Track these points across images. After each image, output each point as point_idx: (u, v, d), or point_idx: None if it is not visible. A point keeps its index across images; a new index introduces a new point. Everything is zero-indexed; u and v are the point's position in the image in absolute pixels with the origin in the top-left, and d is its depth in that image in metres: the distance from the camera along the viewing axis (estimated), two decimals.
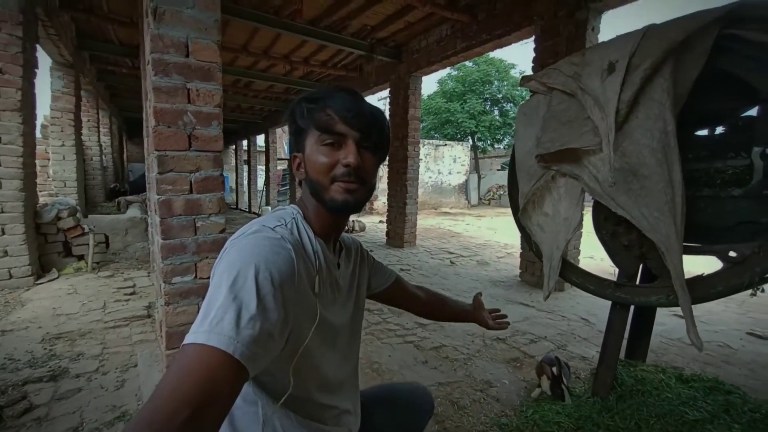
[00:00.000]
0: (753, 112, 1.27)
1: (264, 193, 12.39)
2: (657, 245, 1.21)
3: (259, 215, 10.85)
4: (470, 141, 16.46)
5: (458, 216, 12.34)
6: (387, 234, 6.32)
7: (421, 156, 11.26)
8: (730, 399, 1.38)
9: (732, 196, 1.21)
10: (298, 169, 0.76)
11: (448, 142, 14.33)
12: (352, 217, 8.57)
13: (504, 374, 2.05)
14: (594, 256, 4.88)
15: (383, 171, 6.89)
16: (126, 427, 0.41)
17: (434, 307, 1.11)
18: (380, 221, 10.51)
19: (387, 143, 0.78)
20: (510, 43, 4.30)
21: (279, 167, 13.62)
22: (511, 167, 1.75)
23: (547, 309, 3.19)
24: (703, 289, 1.22)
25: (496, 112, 16.59)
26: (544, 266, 1.60)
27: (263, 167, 12.19)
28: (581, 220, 1.47)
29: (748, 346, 2.51)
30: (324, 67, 6.29)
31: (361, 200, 0.73)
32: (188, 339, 0.51)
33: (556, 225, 1.53)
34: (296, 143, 0.76)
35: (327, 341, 0.77)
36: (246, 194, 14.19)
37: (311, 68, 6.29)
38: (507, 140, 17.23)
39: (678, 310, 1.31)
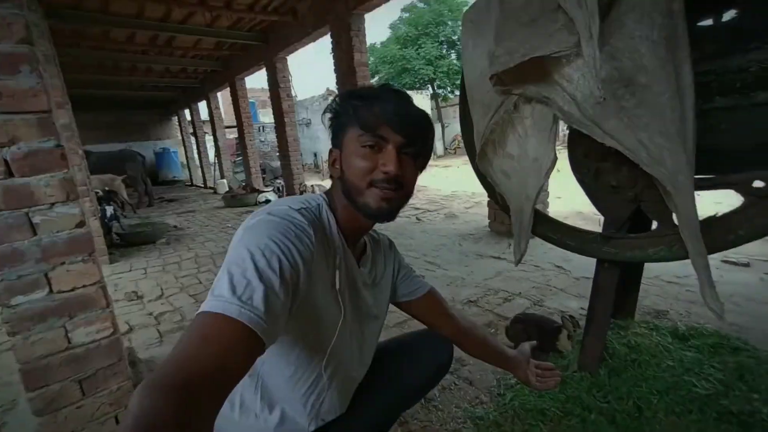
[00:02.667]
0: None
1: (216, 165, 11.46)
2: (660, 182, 0.86)
3: (214, 190, 10.09)
4: (430, 89, 15.72)
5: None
6: None
7: None
8: (741, 360, 1.14)
9: (756, 104, 0.87)
10: (334, 165, 0.75)
11: (407, 92, 13.61)
12: (312, 182, 8.04)
13: None
14: (562, 196, 4.69)
15: None
16: (144, 384, 0.41)
17: (470, 338, 0.99)
18: None
19: (430, 151, 0.76)
20: None
21: (229, 136, 12.55)
22: (462, 99, 1.34)
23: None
24: (720, 234, 0.91)
25: (453, 56, 15.76)
26: (513, 223, 1.26)
27: (211, 137, 11.14)
28: (555, 159, 1.10)
29: (726, 276, 2.37)
30: (252, 12, 5.42)
31: (396, 208, 0.72)
32: (215, 307, 0.50)
33: (524, 169, 1.16)
34: (335, 139, 0.74)
35: (345, 337, 0.77)
36: (199, 169, 13.14)
37: (238, 14, 5.41)
38: None
39: None
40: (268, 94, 7.30)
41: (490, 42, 1.12)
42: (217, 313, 0.49)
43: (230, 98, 8.74)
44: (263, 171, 10.76)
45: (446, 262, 3.08)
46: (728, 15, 0.98)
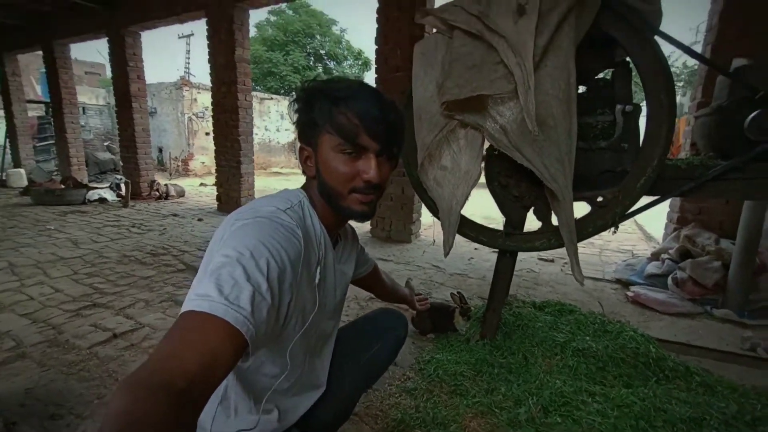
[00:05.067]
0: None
1: (8, 149, 8.61)
2: (555, 194, 1.27)
3: (2, 182, 7.51)
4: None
5: (291, 176, 11.85)
6: (218, 198, 5.40)
7: None
8: (577, 317, 1.70)
9: (599, 148, 1.38)
10: (307, 163, 0.75)
11: (274, 96, 13.20)
12: (164, 181, 6.98)
13: None
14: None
15: (209, 125, 5.73)
16: (126, 382, 0.40)
17: (389, 292, 1.30)
18: (201, 184, 9.01)
19: (401, 152, 0.77)
20: None
21: (31, 113, 9.61)
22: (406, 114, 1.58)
23: (403, 261, 3.36)
24: (580, 231, 1.38)
25: (321, 69, 16.18)
26: (442, 222, 1.54)
27: (1, 112, 8.33)
28: (480, 173, 1.44)
29: (543, 268, 3.28)
30: None
31: (375, 208, 0.76)
32: (201, 306, 0.49)
33: (455, 179, 1.46)
34: (306, 135, 0.73)
35: (319, 328, 0.82)
36: None
37: None
38: None
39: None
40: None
41: (438, 74, 1.40)
42: (202, 312, 0.48)
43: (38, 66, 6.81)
44: (86, 163, 8.71)
45: None
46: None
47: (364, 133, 0.67)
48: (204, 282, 0.52)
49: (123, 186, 5.89)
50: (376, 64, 3.73)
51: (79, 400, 1.45)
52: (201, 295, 0.50)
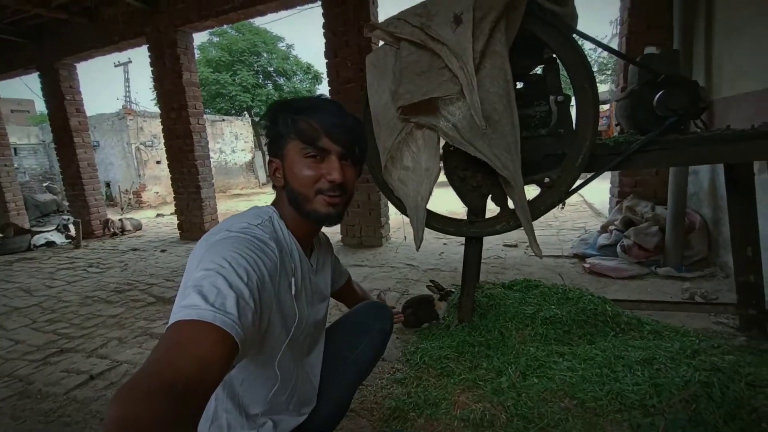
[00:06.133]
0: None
1: None
2: (507, 180, 1.42)
3: None
4: (248, 116, 15.42)
5: (252, 196, 11.61)
6: (179, 227, 5.23)
7: None
8: (542, 290, 1.86)
9: (540, 135, 1.55)
10: (275, 174, 0.78)
11: (225, 117, 12.92)
12: (118, 216, 6.64)
13: None
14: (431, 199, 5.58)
15: (162, 153, 5.54)
16: (121, 392, 0.39)
17: (360, 301, 1.28)
18: (158, 215, 8.62)
19: (365, 156, 0.82)
20: (295, 5, 4.06)
21: None
22: (366, 123, 1.68)
23: (377, 264, 3.44)
24: (534, 210, 1.54)
25: (270, 86, 16.05)
26: (410, 218, 1.65)
27: None
28: (440, 168, 1.57)
29: (509, 253, 3.48)
30: (26, 3, 4.25)
31: (342, 212, 0.78)
32: (188, 315, 0.50)
33: (418, 177, 1.58)
34: (273, 148, 0.77)
35: (301, 341, 0.83)
36: None
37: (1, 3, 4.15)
38: None
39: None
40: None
41: (390, 81, 1.52)
42: (191, 320, 0.49)
43: None
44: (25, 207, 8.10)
45: None
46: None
47: (324, 136, 0.71)
48: (188, 295, 0.53)
49: (72, 226, 5.55)
50: (327, 77, 3.82)
51: None
52: (187, 306, 0.51)
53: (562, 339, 1.54)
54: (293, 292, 0.74)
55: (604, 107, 10.35)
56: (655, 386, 1.15)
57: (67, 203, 6.16)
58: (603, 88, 12.88)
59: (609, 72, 15.85)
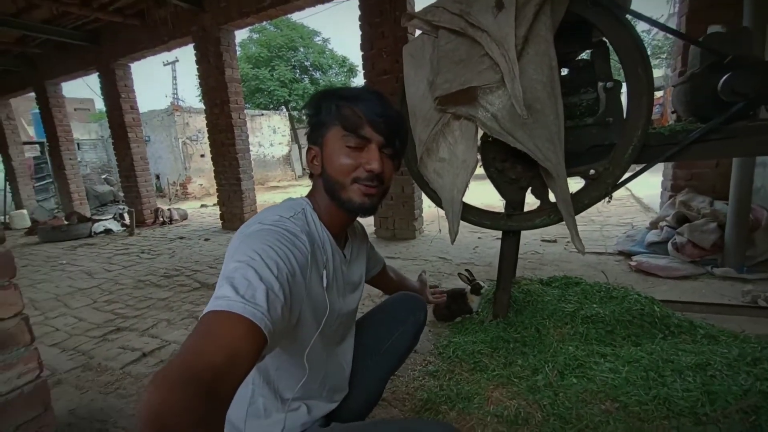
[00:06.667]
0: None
1: (8, 191, 8.69)
2: (548, 171, 1.36)
3: (6, 225, 7.60)
4: (285, 110, 15.81)
5: (289, 188, 11.94)
6: (221, 217, 5.49)
7: None
8: (583, 288, 1.78)
9: (586, 124, 1.47)
10: (313, 162, 0.78)
11: (264, 112, 13.34)
12: (166, 206, 7.06)
13: None
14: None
15: (206, 147, 5.83)
16: (154, 380, 0.41)
17: (396, 287, 1.30)
18: (202, 205, 9.09)
19: (404, 149, 0.81)
20: None
21: (27, 154, 9.72)
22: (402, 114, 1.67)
23: (410, 257, 3.44)
24: (576, 204, 1.46)
25: (307, 80, 16.33)
26: (446, 211, 1.62)
27: None
28: (477, 160, 1.53)
29: (547, 249, 3.35)
30: (86, 9, 4.59)
31: (377, 203, 0.77)
32: (220, 306, 0.51)
33: (454, 169, 1.55)
34: (313, 136, 0.77)
35: (332, 331, 0.83)
36: None
37: (64, 8, 4.50)
38: None
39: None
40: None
41: (428, 72, 1.49)
42: (221, 310, 0.51)
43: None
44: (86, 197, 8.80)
45: None
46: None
47: (367, 124, 0.71)
48: (221, 286, 0.55)
49: (127, 215, 5.98)
50: (363, 69, 3.83)
51: (121, 414, 1.53)
52: (219, 297, 0.53)
53: (604, 339, 1.46)
54: (324, 285, 0.75)
55: (658, 94, 9.61)
56: (708, 394, 1.07)
57: (122, 194, 6.63)
58: (657, 73, 11.99)
59: (664, 56, 14.69)
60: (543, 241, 3.56)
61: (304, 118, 0.85)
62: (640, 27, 16.35)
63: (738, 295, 1.96)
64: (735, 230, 2.25)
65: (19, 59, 6.48)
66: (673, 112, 1.67)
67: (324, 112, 0.74)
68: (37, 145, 10.94)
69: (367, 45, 3.74)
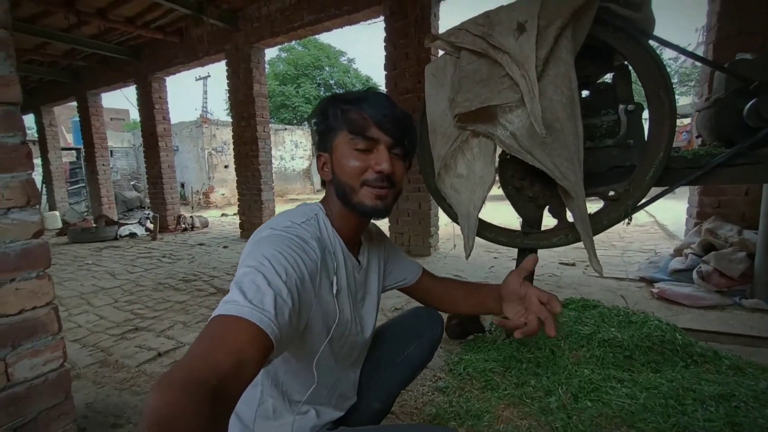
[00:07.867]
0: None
1: (45, 193, 9.17)
2: (567, 191, 1.36)
3: None
4: (308, 126, 16.23)
5: (307, 201, 12.15)
6: (241, 226, 5.62)
7: None
8: (601, 311, 1.74)
9: (606, 146, 1.47)
10: (323, 168, 0.77)
11: (287, 126, 13.75)
12: (189, 213, 7.28)
13: None
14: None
15: (230, 158, 6.03)
16: (159, 383, 0.41)
17: (462, 302, 1.04)
18: (222, 214, 9.32)
19: (414, 149, 0.79)
20: (359, 21, 4.26)
21: (65, 159, 10.29)
22: (423, 131, 1.71)
23: None
24: (595, 225, 1.45)
25: None
26: (461, 226, 1.63)
27: (39, 160, 8.94)
28: (495, 177, 1.54)
29: (565, 272, 3.28)
30: (131, 26, 4.92)
31: (390, 205, 0.75)
32: (228, 311, 0.51)
33: (471, 185, 1.57)
34: (323, 142, 0.76)
35: (343, 338, 0.80)
36: None
37: (111, 25, 4.83)
38: None
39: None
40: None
41: (449, 90, 1.53)
42: (229, 315, 0.51)
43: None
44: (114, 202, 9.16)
45: None
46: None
47: (373, 125, 0.70)
48: (230, 291, 0.56)
49: (151, 220, 6.20)
50: (386, 88, 3.93)
51: (135, 411, 1.57)
52: (227, 301, 0.53)
53: (622, 364, 1.42)
54: (335, 291, 0.74)
55: (685, 121, 9.40)
56: (732, 425, 1.02)
57: (148, 200, 6.90)
58: (685, 100, 11.78)
59: (692, 84, 14.47)
60: (561, 263, 3.49)
61: (312, 126, 0.87)
62: (667, 55, 16.22)
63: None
64: (765, 260, 2.16)
65: (65, 71, 6.94)
66: (698, 137, 1.65)
67: (331, 118, 0.74)
68: (74, 151, 11.58)
69: (390, 65, 3.86)
